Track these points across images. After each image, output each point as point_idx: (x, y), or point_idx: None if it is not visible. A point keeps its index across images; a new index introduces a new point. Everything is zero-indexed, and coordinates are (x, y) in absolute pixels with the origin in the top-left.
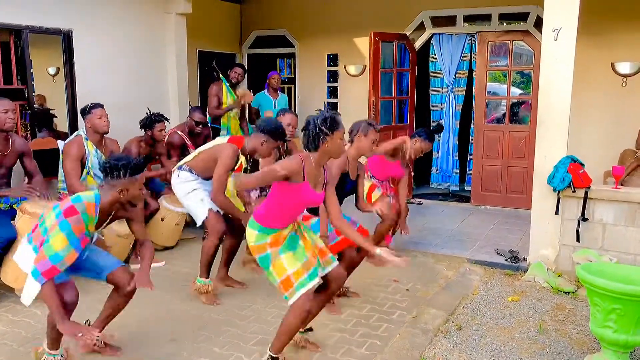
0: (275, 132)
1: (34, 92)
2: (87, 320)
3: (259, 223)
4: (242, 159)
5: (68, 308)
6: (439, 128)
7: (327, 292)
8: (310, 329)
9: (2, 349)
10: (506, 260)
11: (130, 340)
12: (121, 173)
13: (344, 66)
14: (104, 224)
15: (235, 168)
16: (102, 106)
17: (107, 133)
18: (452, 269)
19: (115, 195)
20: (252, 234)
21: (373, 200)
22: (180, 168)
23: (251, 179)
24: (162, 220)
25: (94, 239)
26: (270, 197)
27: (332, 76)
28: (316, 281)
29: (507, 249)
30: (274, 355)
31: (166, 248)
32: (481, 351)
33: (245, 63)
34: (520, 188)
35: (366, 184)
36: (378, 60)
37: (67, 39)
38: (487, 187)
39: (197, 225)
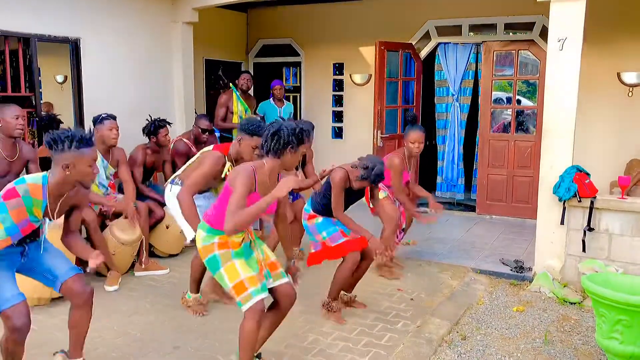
0: (248, 128)
1: (41, 99)
2: (63, 350)
3: (208, 224)
4: (228, 165)
5: (19, 334)
6: (413, 118)
7: (279, 310)
8: (259, 355)
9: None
10: (511, 270)
11: (133, 348)
12: (65, 145)
13: (350, 75)
14: (57, 210)
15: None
16: (114, 118)
17: (114, 146)
18: (456, 278)
19: (62, 173)
20: (200, 235)
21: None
22: (172, 182)
23: (243, 216)
24: (167, 228)
25: (45, 227)
26: (220, 203)
27: (338, 85)
28: (265, 294)
29: (512, 258)
30: None
31: (171, 255)
32: None
33: (251, 71)
34: (526, 198)
35: None
36: (383, 69)
37: (75, 47)
38: (492, 197)
39: (186, 242)
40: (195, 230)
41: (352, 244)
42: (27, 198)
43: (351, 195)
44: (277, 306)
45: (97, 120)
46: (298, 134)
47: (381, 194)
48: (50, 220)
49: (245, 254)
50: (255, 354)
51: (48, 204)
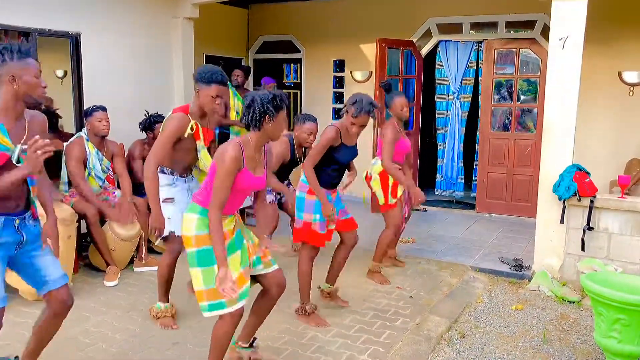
0: (203, 76)
1: None
2: (17, 357)
3: (200, 205)
4: (192, 122)
5: None
6: (388, 86)
7: (270, 297)
8: (255, 339)
9: (4, 350)
10: (510, 268)
11: (132, 343)
12: (6, 57)
13: (350, 72)
14: (24, 137)
15: (192, 134)
16: (104, 109)
17: (106, 136)
18: (456, 276)
19: (10, 88)
20: (191, 220)
21: (399, 195)
22: (161, 171)
23: (214, 200)
24: None
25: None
26: (211, 182)
27: (338, 82)
28: (245, 301)
29: (511, 257)
30: None
31: None
32: None
33: (252, 67)
34: (526, 196)
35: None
36: (384, 66)
37: (75, 42)
38: (492, 195)
39: (151, 241)
40: (151, 203)
41: (324, 237)
42: None
43: (343, 158)
44: (268, 293)
45: (87, 113)
46: (272, 100)
47: (399, 191)
48: (21, 153)
49: (238, 243)
50: (251, 341)
51: (6, 127)
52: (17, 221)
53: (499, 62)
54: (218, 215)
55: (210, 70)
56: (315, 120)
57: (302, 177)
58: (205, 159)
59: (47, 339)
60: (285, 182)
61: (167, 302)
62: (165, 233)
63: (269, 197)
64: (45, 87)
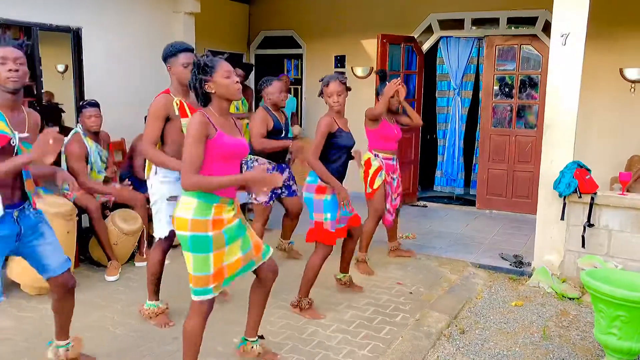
0: (168, 52)
1: (42, 88)
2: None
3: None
4: (177, 99)
5: None
6: (383, 74)
7: (264, 284)
8: (262, 337)
9: (7, 343)
10: (510, 264)
11: (133, 338)
12: None
13: (351, 68)
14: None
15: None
16: (94, 105)
17: (97, 133)
18: (456, 272)
19: None
20: (190, 203)
21: (375, 186)
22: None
23: (185, 165)
24: None
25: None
26: (204, 165)
27: None
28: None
29: (511, 253)
30: None
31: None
32: (484, 356)
33: (252, 63)
34: (526, 193)
35: (374, 164)
36: (385, 62)
37: (76, 36)
38: (492, 191)
39: (153, 236)
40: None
41: (335, 235)
42: None
43: (340, 138)
44: (262, 281)
45: (81, 107)
46: (201, 68)
47: (378, 181)
48: (27, 145)
49: (239, 231)
50: (258, 336)
51: (5, 117)
52: (16, 213)
53: (500, 58)
54: (197, 177)
55: (173, 44)
56: (278, 78)
57: (309, 178)
58: None
59: (67, 316)
60: (288, 175)
61: (158, 299)
62: (165, 233)
63: (262, 197)
64: (10, 71)
